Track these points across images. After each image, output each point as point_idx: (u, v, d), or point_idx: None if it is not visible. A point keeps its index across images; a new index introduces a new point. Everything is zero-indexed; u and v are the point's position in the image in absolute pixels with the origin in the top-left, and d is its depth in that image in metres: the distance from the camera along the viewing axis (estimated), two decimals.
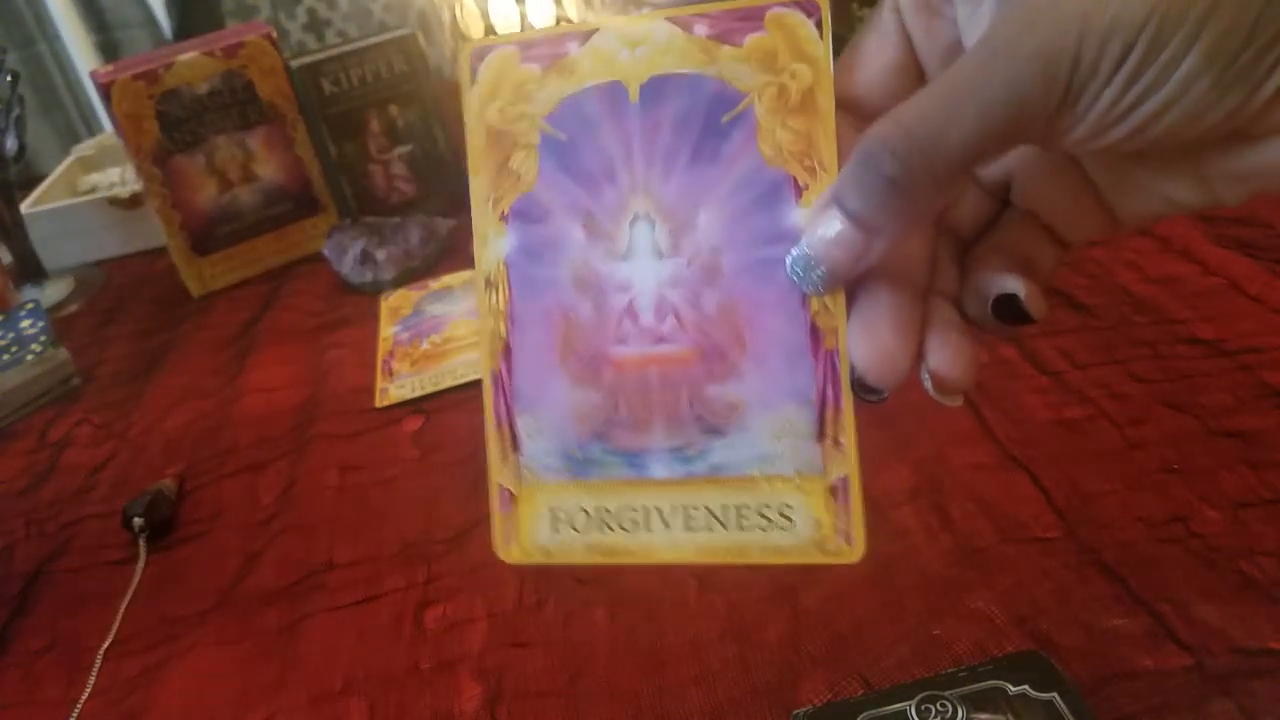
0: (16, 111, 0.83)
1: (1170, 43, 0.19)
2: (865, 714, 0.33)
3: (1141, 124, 0.20)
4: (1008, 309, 0.24)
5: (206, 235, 0.82)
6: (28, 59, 1.27)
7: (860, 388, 0.25)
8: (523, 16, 0.82)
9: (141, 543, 0.52)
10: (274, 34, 0.81)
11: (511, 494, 0.27)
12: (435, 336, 0.67)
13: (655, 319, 0.26)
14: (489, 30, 0.83)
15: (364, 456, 0.57)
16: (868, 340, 0.24)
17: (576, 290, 0.27)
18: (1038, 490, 0.44)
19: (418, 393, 0.61)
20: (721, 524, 0.26)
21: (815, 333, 0.25)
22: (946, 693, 0.33)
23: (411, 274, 0.76)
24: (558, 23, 0.84)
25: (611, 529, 0.27)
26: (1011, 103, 0.20)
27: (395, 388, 0.62)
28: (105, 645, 0.46)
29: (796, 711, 0.35)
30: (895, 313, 0.24)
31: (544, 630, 0.42)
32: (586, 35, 0.26)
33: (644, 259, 0.26)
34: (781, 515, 0.26)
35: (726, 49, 0.25)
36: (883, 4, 0.27)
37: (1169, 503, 0.42)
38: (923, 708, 0.32)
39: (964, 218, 0.27)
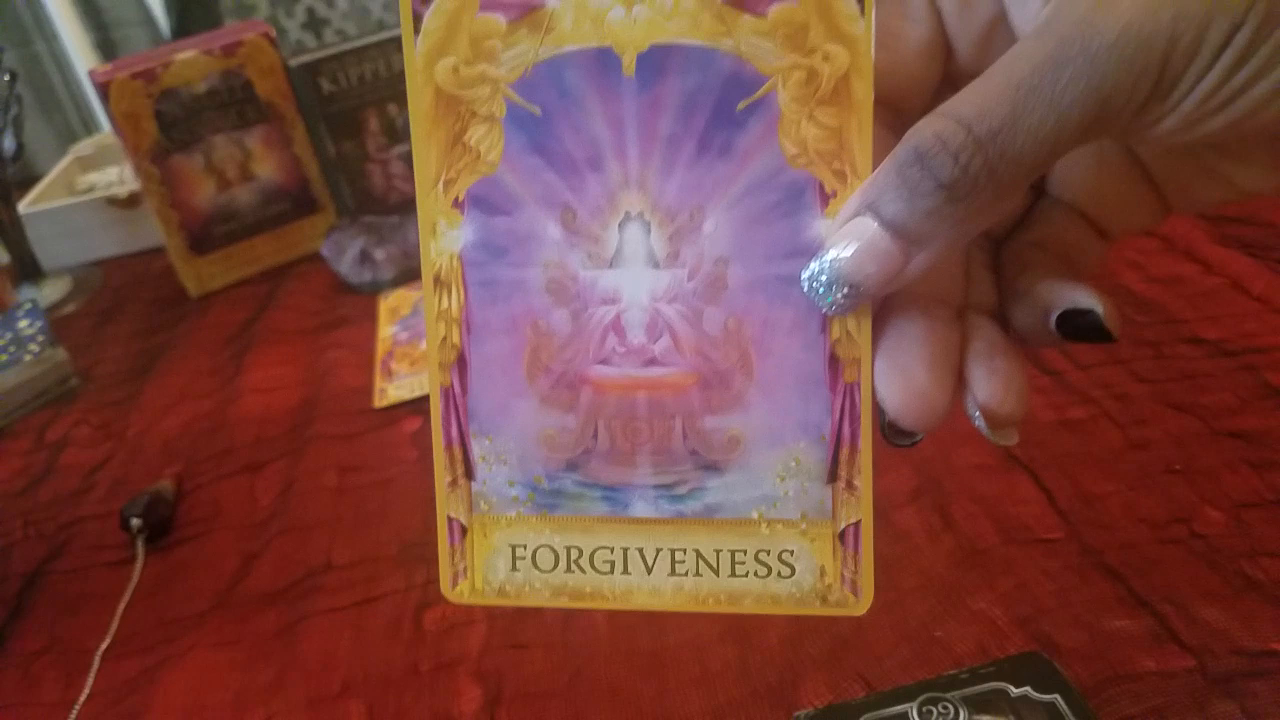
0: (14, 111, 0.83)
1: None
2: (866, 716, 0.33)
3: (1245, 113, 0.18)
4: (1080, 327, 0.21)
5: (205, 235, 0.82)
6: (26, 58, 1.27)
7: (892, 431, 0.22)
8: None
9: (140, 544, 0.52)
10: (272, 33, 0.81)
11: (462, 526, 0.24)
12: None
13: (647, 338, 0.23)
14: None
15: (363, 457, 0.56)
16: (900, 379, 0.21)
17: (550, 297, 0.23)
18: (1040, 491, 0.44)
19: (417, 393, 0.61)
20: (713, 569, 0.23)
21: (835, 362, 0.22)
22: (948, 694, 0.33)
23: (410, 274, 0.76)
24: None
25: (583, 570, 0.24)
26: (1091, 97, 0.18)
27: (394, 388, 0.62)
28: (103, 646, 0.46)
29: (798, 713, 0.35)
30: (929, 343, 0.21)
31: (543, 631, 0.42)
32: None
33: (636, 267, 0.22)
34: (781, 562, 0.23)
35: (747, 18, 0.21)
36: None
37: (1171, 503, 0.42)
38: (924, 709, 0.32)
39: None
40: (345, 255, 0.77)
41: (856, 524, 0.23)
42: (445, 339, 0.23)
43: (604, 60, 0.22)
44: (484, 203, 0.23)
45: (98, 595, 0.50)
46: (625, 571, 0.23)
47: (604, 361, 0.23)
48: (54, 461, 0.63)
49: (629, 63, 0.22)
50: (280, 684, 0.42)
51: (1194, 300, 0.55)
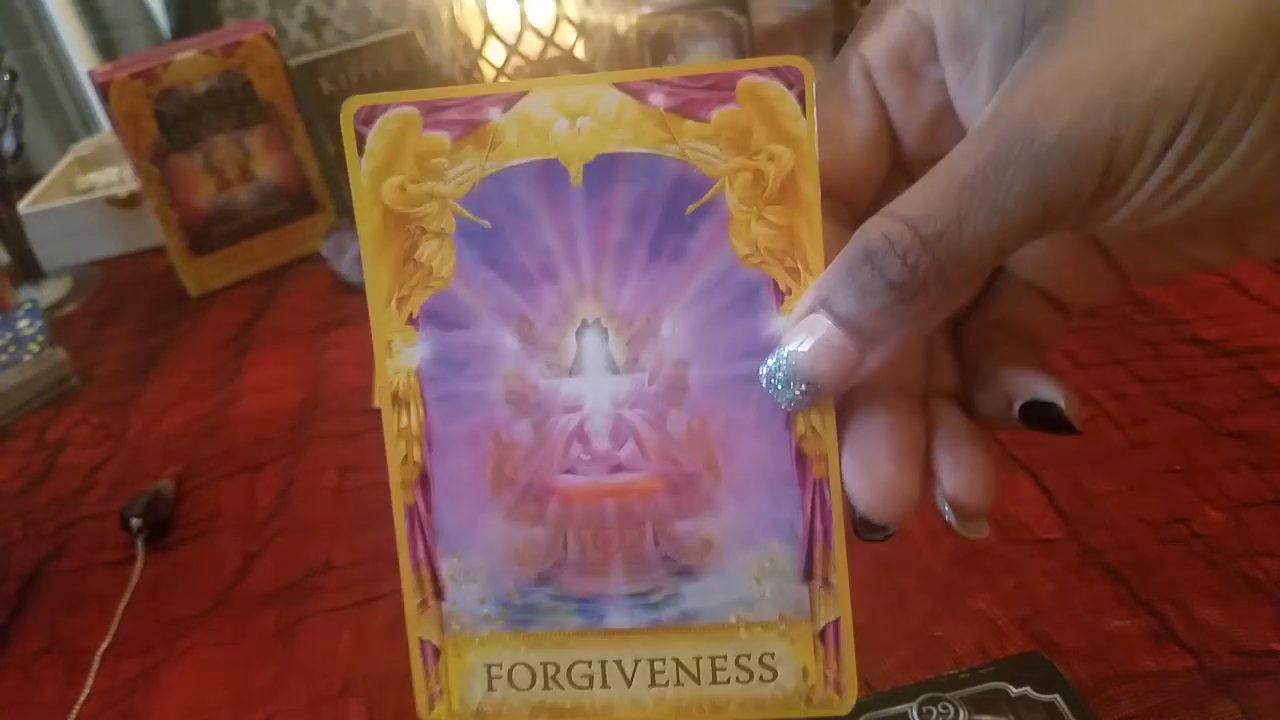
0: (14, 111, 0.83)
1: (1228, 115, 0.16)
2: (866, 716, 0.33)
3: (1196, 205, 0.18)
4: (1042, 418, 0.21)
5: (204, 235, 0.82)
6: (25, 58, 1.27)
7: (863, 527, 0.22)
8: (522, 15, 0.82)
9: (139, 544, 0.52)
10: (272, 33, 0.81)
11: (435, 648, 0.23)
12: None
13: (612, 444, 0.22)
14: (488, 30, 0.83)
15: (362, 457, 0.56)
16: (866, 473, 0.21)
17: (511, 409, 0.23)
18: (1040, 491, 0.44)
19: None
20: (694, 678, 0.23)
21: (802, 459, 0.22)
22: (948, 694, 0.33)
23: None
24: (557, 22, 0.83)
25: (561, 686, 0.23)
26: (1036, 196, 0.17)
27: None
28: (103, 646, 0.46)
29: None
30: (893, 434, 0.21)
31: None
32: (512, 99, 0.22)
33: (595, 374, 0.22)
34: (763, 665, 0.22)
35: (690, 124, 0.21)
36: (845, 66, 0.23)
37: (1171, 503, 0.42)
38: (924, 709, 0.32)
39: None
40: (345, 255, 0.77)
41: (835, 622, 0.22)
42: (406, 457, 0.23)
43: (551, 172, 0.22)
44: (439, 318, 0.23)
45: (98, 595, 0.50)
46: (605, 685, 0.23)
47: (569, 470, 0.23)
48: (54, 461, 0.63)
49: (576, 173, 0.22)
50: (280, 684, 0.42)
51: (1194, 300, 0.55)
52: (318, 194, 0.85)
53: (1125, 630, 0.37)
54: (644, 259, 0.22)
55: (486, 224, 0.22)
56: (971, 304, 0.24)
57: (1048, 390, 0.21)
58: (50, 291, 0.87)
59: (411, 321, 0.23)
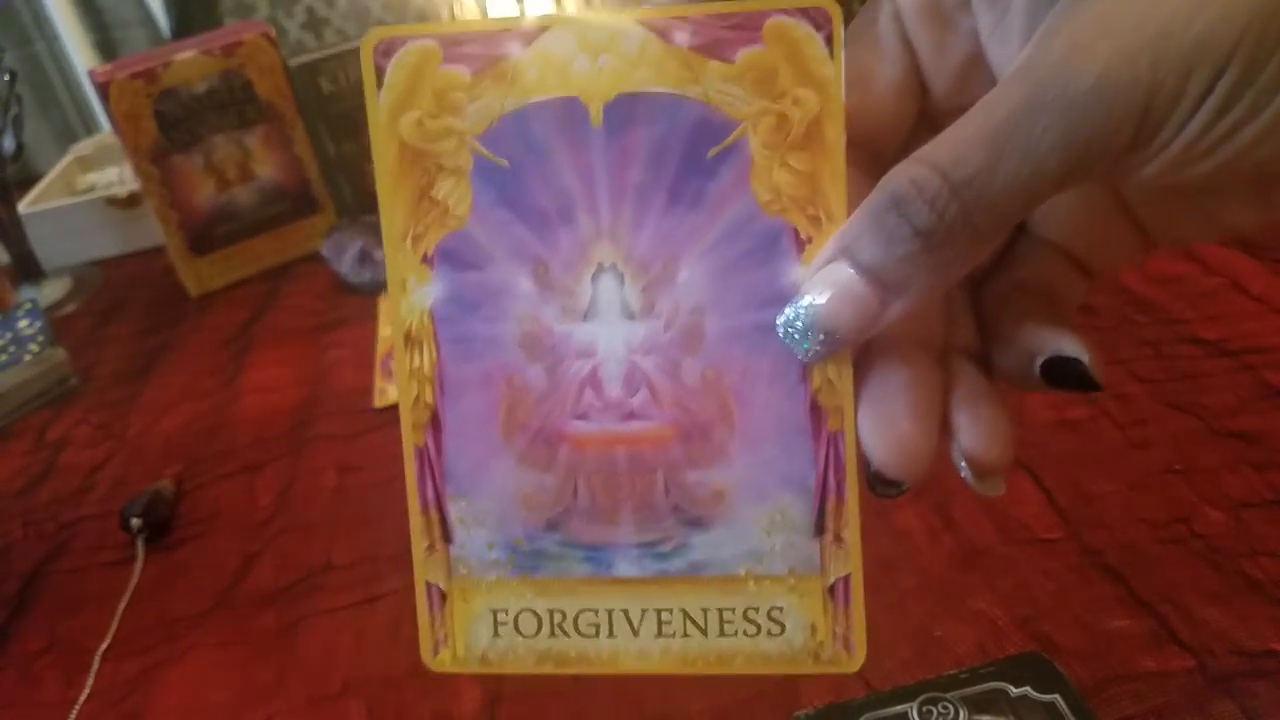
0: (14, 111, 0.83)
1: (1269, 64, 0.16)
2: (866, 716, 0.33)
3: (1231, 158, 0.17)
4: (1065, 374, 0.21)
5: (204, 235, 0.82)
6: (25, 58, 1.27)
7: (877, 481, 0.22)
8: (522, 15, 0.82)
9: (139, 543, 0.52)
10: (272, 33, 0.81)
11: (442, 592, 0.23)
12: None
13: (624, 391, 0.22)
14: None
15: (362, 457, 0.56)
16: (883, 428, 0.21)
17: (524, 352, 0.22)
18: (1040, 491, 0.44)
19: None
20: (701, 630, 0.22)
21: (817, 411, 0.21)
22: (948, 694, 0.33)
23: None
24: None
25: (567, 634, 0.23)
26: (1070, 144, 0.17)
27: (394, 388, 0.62)
28: (103, 646, 0.46)
29: (798, 713, 0.35)
30: (913, 390, 0.21)
31: None
32: (533, 34, 0.21)
33: (610, 319, 0.22)
34: (771, 619, 0.22)
35: (714, 65, 0.21)
36: (876, 11, 0.22)
37: (1171, 503, 0.42)
38: (924, 709, 0.32)
39: None
40: (345, 255, 0.77)
41: (846, 578, 0.22)
42: (418, 398, 0.23)
43: (571, 111, 0.21)
44: (454, 257, 0.22)
45: (98, 595, 0.50)
46: (611, 635, 0.23)
47: (581, 417, 0.22)
48: (54, 461, 0.63)
49: (596, 113, 0.21)
50: (280, 684, 0.42)
51: (1194, 300, 0.55)
52: (318, 194, 0.85)
53: (1125, 630, 0.37)
54: (663, 203, 0.21)
55: (504, 162, 0.22)
56: (993, 264, 0.24)
57: (1071, 346, 0.21)
58: (50, 291, 0.87)
59: (426, 260, 0.22)
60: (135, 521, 0.52)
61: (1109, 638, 0.37)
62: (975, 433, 0.21)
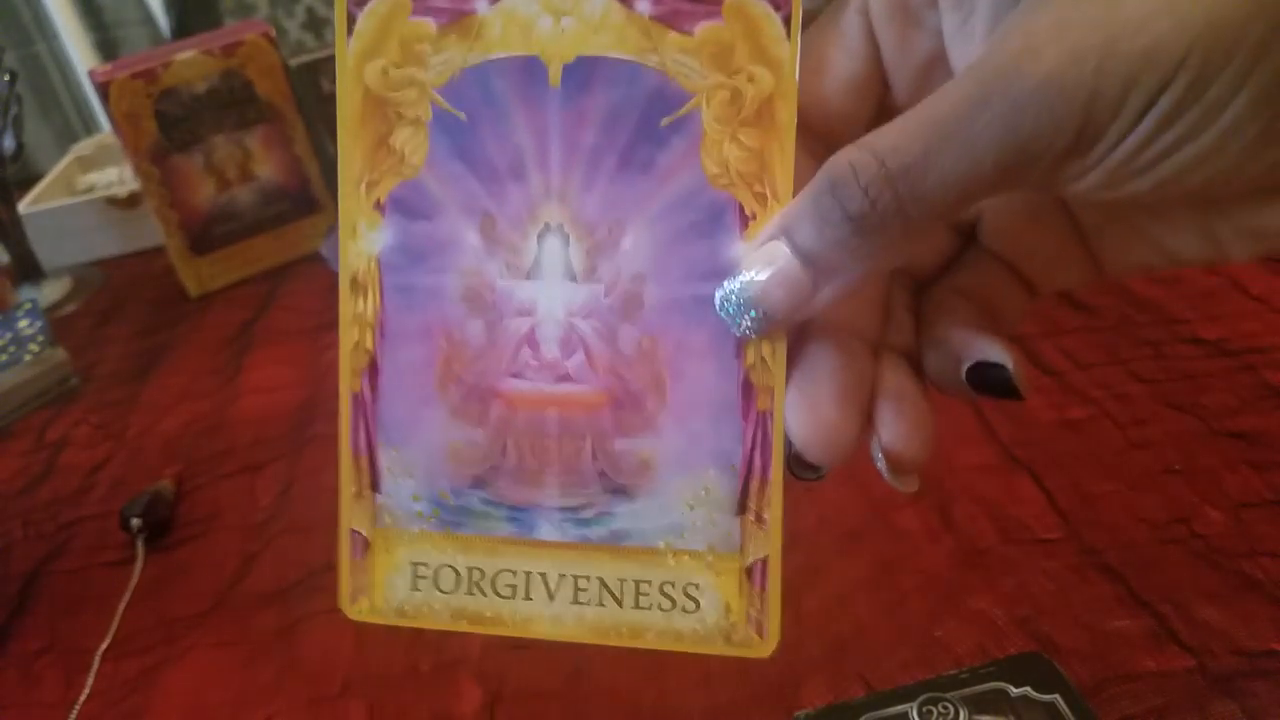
0: (14, 110, 0.83)
1: (1215, 82, 0.16)
2: (866, 716, 0.33)
3: (1170, 176, 0.17)
4: (989, 380, 0.21)
5: (204, 235, 0.82)
6: (25, 58, 1.27)
7: (796, 464, 0.22)
8: None
9: (139, 544, 0.52)
10: (272, 33, 0.81)
11: (365, 540, 0.23)
12: None
13: (561, 353, 0.22)
14: None
15: None
16: (807, 411, 0.21)
17: (465, 306, 0.22)
18: (1040, 491, 0.44)
19: None
20: (616, 600, 0.22)
21: (748, 389, 0.21)
22: (948, 694, 0.33)
23: None
24: None
25: (484, 593, 0.23)
26: (1008, 143, 0.17)
27: None
28: (103, 646, 0.46)
29: (798, 714, 0.35)
30: (840, 377, 0.21)
31: None
32: None
33: (552, 280, 0.22)
34: (686, 595, 0.22)
35: (673, 36, 0.21)
36: (844, 3, 0.22)
37: (1171, 503, 0.42)
38: (924, 709, 0.32)
39: (922, 254, 0.24)
40: None
41: (764, 560, 0.22)
42: (358, 343, 0.23)
43: (531, 69, 0.22)
44: (405, 206, 0.22)
45: (98, 595, 0.50)
46: (527, 597, 0.23)
47: (516, 375, 0.23)
48: (54, 461, 0.63)
49: (555, 73, 0.22)
50: (280, 684, 0.42)
51: (1194, 300, 0.55)
52: (318, 194, 0.85)
53: (1125, 630, 0.37)
54: (613, 168, 0.22)
55: (462, 116, 0.22)
56: (938, 268, 0.24)
57: (996, 352, 0.21)
58: (50, 291, 0.87)
59: (378, 207, 0.23)
60: (135, 521, 0.52)
61: (1109, 638, 0.37)
62: (896, 429, 0.21)
